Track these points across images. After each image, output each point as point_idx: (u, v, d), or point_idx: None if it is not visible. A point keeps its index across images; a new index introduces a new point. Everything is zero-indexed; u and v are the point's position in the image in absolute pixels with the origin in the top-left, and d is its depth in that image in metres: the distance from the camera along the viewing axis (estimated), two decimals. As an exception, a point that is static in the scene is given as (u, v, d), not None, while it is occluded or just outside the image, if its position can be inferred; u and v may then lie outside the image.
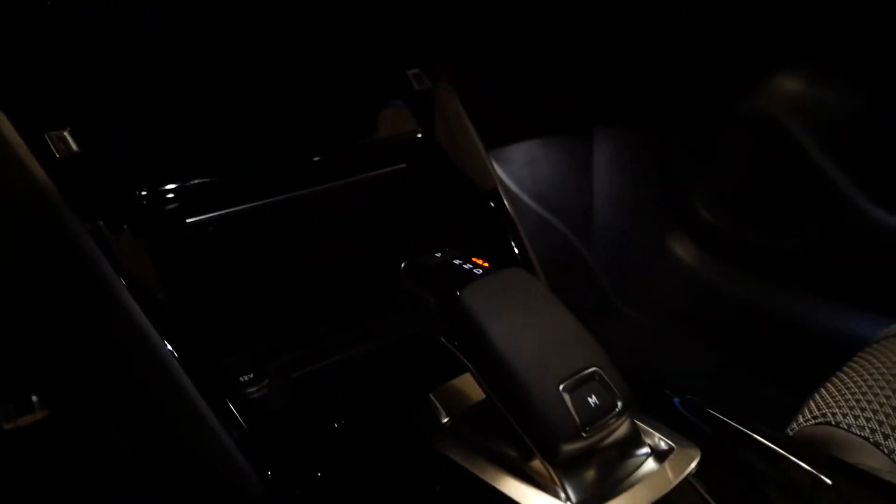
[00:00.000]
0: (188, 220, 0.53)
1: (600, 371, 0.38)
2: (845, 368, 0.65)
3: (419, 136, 0.67)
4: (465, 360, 0.39)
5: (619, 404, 0.37)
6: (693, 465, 0.38)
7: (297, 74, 0.61)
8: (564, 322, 0.40)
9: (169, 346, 0.44)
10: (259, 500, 0.45)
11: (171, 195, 0.52)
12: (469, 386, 0.46)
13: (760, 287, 1.17)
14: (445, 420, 0.44)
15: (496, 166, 1.35)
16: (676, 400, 0.48)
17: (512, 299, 0.40)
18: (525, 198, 1.38)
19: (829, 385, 0.63)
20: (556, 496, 0.36)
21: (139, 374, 0.45)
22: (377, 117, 0.66)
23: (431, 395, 0.45)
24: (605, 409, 0.37)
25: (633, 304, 1.32)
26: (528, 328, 0.39)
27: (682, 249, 1.30)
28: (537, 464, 0.37)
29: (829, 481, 0.39)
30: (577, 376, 0.37)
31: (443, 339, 0.41)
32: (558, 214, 1.39)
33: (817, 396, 0.62)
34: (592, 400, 0.37)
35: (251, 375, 0.52)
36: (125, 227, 0.49)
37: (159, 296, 0.49)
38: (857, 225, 1.07)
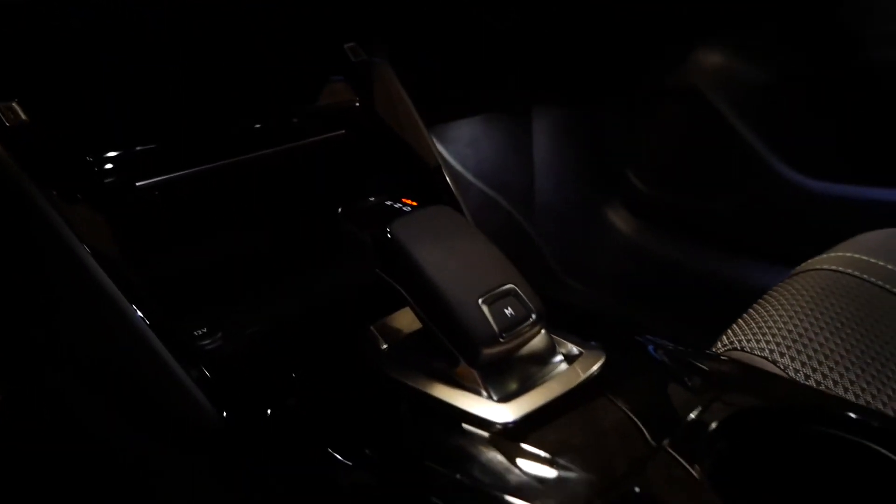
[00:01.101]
0: (137, 184, 0.56)
1: (516, 288, 0.43)
2: (755, 305, 0.72)
3: (357, 104, 0.71)
4: (397, 286, 0.44)
5: (533, 316, 0.42)
6: (597, 365, 0.43)
7: (240, 45, 0.64)
8: (485, 249, 0.45)
9: (129, 302, 0.47)
10: (217, 434, 0.48)
11: (119, 160, 0.55)
12: (404, 318, 0.50)
13: (689, 248, 1.25)
14: (384, 346, 0.48)
15: (440, 146, 1.40)
16: (650, 347, 0.51)
17: (437, 231, 0.45)
18: (469, 176, 1.44)
19: (740, 319, 0.70)
20: (480, 395, 0.41)
21: (99, 325, 0.48)
22: (316, 88, 0.70)
23: (371, 327, 0.50)
24: (519, 319, 0.42)
25: (574, 273, 1.39)
26: (452, 253, 0.43)
27: (618, 218, 1.37)
28: (463, 370, 0.42)
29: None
30: (495, 292, 0.42)
31: (378, 271, 0.46)
32: (501, 191, 1.44)
33: (729, 330, 0.69)
34: (508, 311, 0.42)
35: (204, 329, 0.56)
36: (78, 192, 0.52)
37: (116, 257, 0.52)
38: (776, 186, 1.15)
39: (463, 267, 0.43)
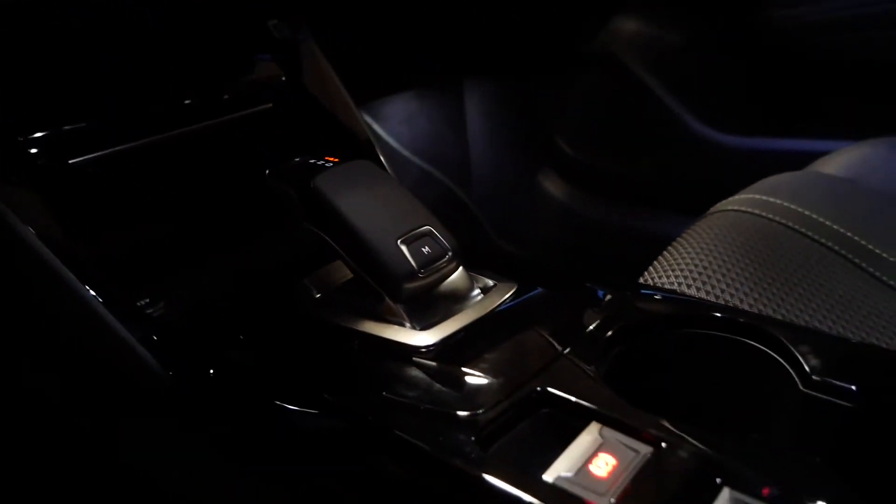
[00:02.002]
0: (70, 162, 0.58)
1: (432, 229, 0.47)
2: (668, 247, 0.78)
3: (283, 79, 0.74)
4: (324, 235, 0.48)
5: (449, 253, 0.47)
6: (509, 294, 0.48)
7: (167, 24, 0.66)
8: (403, 196, 0.49)
9: (74, 276, 0.50)
10: (165, 394, 0.51)
11: (49, 139, 0.57)
12: (335, 269, 0.54)
13: (617, 207, 1.31)
14: (318, 295, 0.52)
15: (374, 123, 1.43)
16: (600, 292, 0.53)
17: (358, 182, 0.48)
18: (406, 153, 1.47)
19: (654, 261, 0.76)
20: (404, 326, 0.45)
21: (48, 300, 0.50)
22: (242, 64, 0.73)
23: (305, 280, 0.53)
24: (436, 257, 0.46)
25: (510, 238, 1.44)
26: (372, 201, 0.47)
27: (550, 183, 1.43)
28: (388, 305, 0.46)
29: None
30: (413, 233, 0.46)
31: (306, 224, 0.49)
32: (438, 165, 1.48)
33: (645, 272, 0.75)
34: (426, 250, 0.46)
35: (147, 300, 0.58)
36: (13, 173, 0.54)
37: (58, 234, 0.54)
38: (693, 143, 1.22)
39: (382, 213, 0.47)
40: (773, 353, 0.41)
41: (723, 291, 0.67)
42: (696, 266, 0.70)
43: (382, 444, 0.38)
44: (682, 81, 1.23)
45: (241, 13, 0.75)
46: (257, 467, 0.48)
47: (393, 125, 1.47)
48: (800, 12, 1.10)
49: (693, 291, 0.67)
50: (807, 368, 0.39)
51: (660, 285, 0.69)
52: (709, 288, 0.67)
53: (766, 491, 0.29)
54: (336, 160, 0.51)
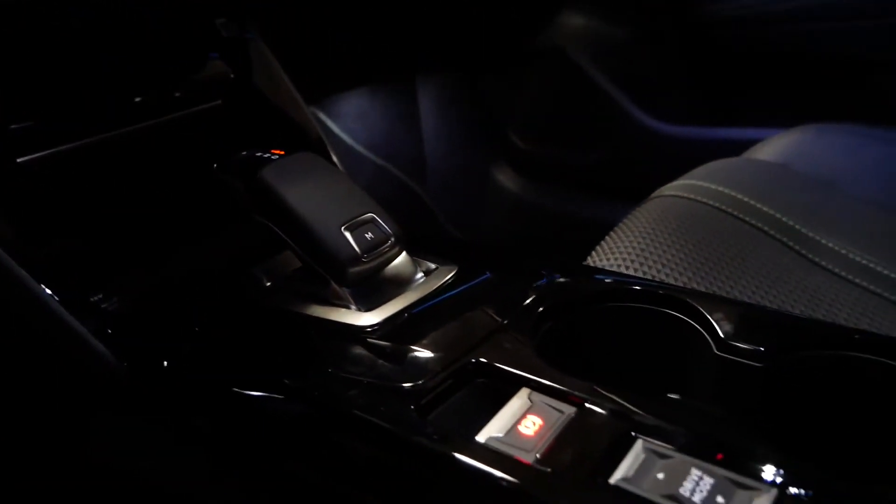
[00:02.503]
0: (19, 160, 0.59)
1: (375, 216, 0.50)
2: (611, 232, 0.82)
3: (231, 76, 0.75)
4: (271, 225, 0.50)
5: (392, 238, 0.49)
6: (450, 275, 0.50)
7: (113, 21, 0.67)
8: (346, 186, 0.51)
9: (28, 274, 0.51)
10: (121, 385, 0.52)
11: None
12: (283, 258, 0.56)
13: (568, 197, 1.35)
14: (268, 284, 0.54)
15: (328, 120, 1.44)
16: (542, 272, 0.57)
17: (302, 173, 0.51)
18: (360, 149, 1.49)
19: (598, 245, 0.79)
20: (350, 308, 0.48)
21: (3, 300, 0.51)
22: (190, 63, 0.74)
23: (255, 269, 0.55)
24: (379, 242, 0.48)
25: (466, 230, 1.47)
26: (316, 191, 0.49)
27: (503, 176, 1.46)
28: (334, 289, 0.48)
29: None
30: (356, 220, 0.48)
31: (254, 215, 0.51)
32: (393, 161, 1.51)
33: (588, 257, 0.78)
34: (369, 236, 0.48)
35: (101, 295, 0.59)
36: None
37: (9, 232, 0.55)
38: (637, 133, 1.26)
39: (326, 201, 0.49)
40: (690, 321, 0.44)
41: (659, 271, 0.71)
42: (634, 248, 0.74)
43: (330, 418, 0.40)
44: (626, 74, 1.28)
45: (189, 12, 0.76)
46: (219, 454, 0.50)
47: (347, 122, 1.49)
48: (733, 6, 1.15)
49: (632, 272, 0.71)
50: (720, 334, 0.42)
51: (602, 267, 0.73)
52: (646, 268, 0.71)
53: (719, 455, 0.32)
54: (282, 153, 0.53)
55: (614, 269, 0.71)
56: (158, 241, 0.65)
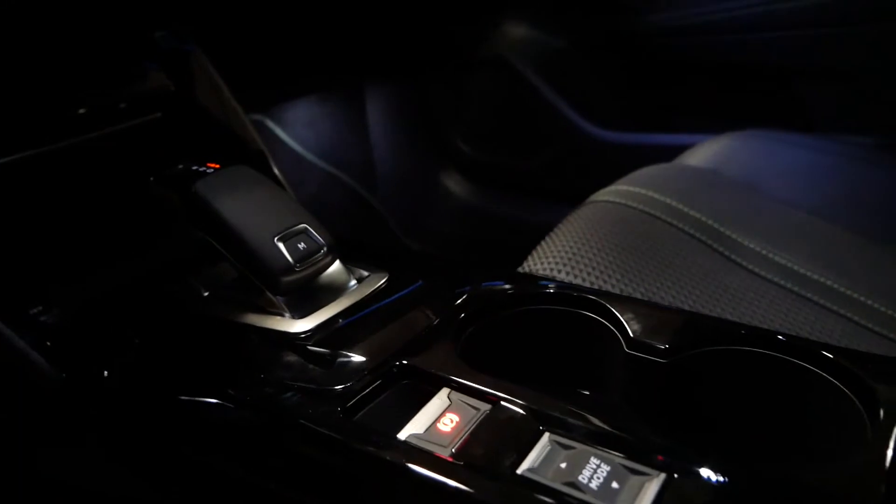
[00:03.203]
0: None
1: (308, 227, 0.52)
2: (546, 237, 0.85)
3: (172, 89, 0.76)
4: (207, 236, 0.51)
5: (324, 248, 0.51)
6: (381, 283, 0.53)
7: (51, 35, 0.67)
8: (280, 198, 0.53)
9: None
10: (61, 397, 0.53)
11: None
12: (220, 270, 0.57)
13: (513, 202, 1.39)
14: (206, 294, 0.56)
15: (277, 128, 1.45)
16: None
17: (237, 186, 0.52)
18: (310, 156, 1.50)
19: (534, 250, 0.82)
20: (284, 316, 0.49)
21: None
22: (129, 76, 0.75)
23: (193, 280, 0.57)
24: (312, 252, 0.50)
25: (417, 238, 1.50)
26: (250, 203, 0.51)
27: (452, 182, 1.49)
28: (268, 298, 0.50)
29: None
30: (289, 231, 0.50)
31: (190, 227, 0.53)
32: (343, 168, 1.52)
33: (525, 262, 0.81)
34: (301, 246, 0.50)
35: (40, 308, 0.60)
36: None
37: None
38: (578, 139, 1.31)
39: (260, 213, 0.51)
40: (603, 321, 0.47)
41: (589, 274, 0.74)
42: (566, 252, 0.77)
43: (263, 422, 0.42)
44: (567, 82, 1.32)
45: (127, 25, 0.76)
46: (157, 459, 0.51)
47: (297, 130, 1.50)
48: (665, 17, 1.20)
49: (564, 275, 0.74)
50: (630, 333, 0.45)
51: (536, 271, 0.76)
52: (577, 271, 0.74)
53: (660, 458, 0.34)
54: (217, 166, 0.54)
55: (547, 273, 0.74)
56: (97, 253, 0.66)
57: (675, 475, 0.33)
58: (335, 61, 1.46)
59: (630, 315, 0.46)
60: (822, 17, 1.14)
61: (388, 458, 0.36)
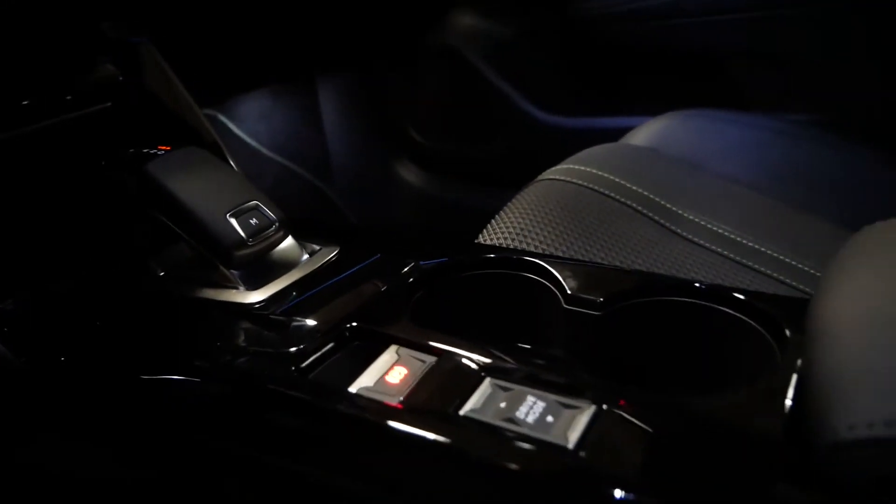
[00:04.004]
0: None
1: (259, 203, 0.53)
2: (497, 214, 0.88)
3: (120, 79, 0.77)
4: (160, 216, 0.53)
5: (276, 223, 0.53)
6: (332, 255, 0.55)
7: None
8: (231, 176, 0.55)
9: None
10: (21, 383, 0.54)
11: None
12: (175, 249, 0.59)
13: (467, 188, 1.41)
14: (161, 273, 0.57)
15: (230, 123, 1.45)
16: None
17: (188, 166, 0.54)
18: (265, 150, 1.51)
19: (486, 226, 0.85)
20: (238, 289, 0.51)
21: None
22: (78, 65, 0.75)
23: (150, 261, 0.58)
24: (263, 227, 0.52)
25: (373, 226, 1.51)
26: (202, 182, 0.53)
27: (406, 171, 1.51)
28: (222, 272, 0.52)
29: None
30: (240, 207, 0.52)
31: (143, 208, 0.54)
32: (298, 161, 1.53)
33: (479, 236, 0.84)
34: (254, 221, 0.52)
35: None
36: None
37: None
38: (527, 125, 1.34)
39: (212, 191, 0.53)
40: (543, 281, 0.50)
41: (537, 247, 0.77)
42: (516, 227, 0.80)
43: (222, 386, 0.44)
44: (515, 70, 1.35)
45: (74, 16, 0.77)
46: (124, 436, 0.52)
47: (250, 124, 1.51)
48: (607, 4, 1.24)
49: (514, 247, 0.77)
50: (567, 289, 0.48)
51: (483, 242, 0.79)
52: (526, 244, 0.77)
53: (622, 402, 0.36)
54: (168, 148, 0.56)
55: (492, 243, 0.77)
56: (53, 239, 0.67)
57: (604, 406, 0.36)
58: (286, 54, 1.47)
59: (567, 273, 0.49)
60: (758, 2, 1.19)
61: (339, 409, 0.39)
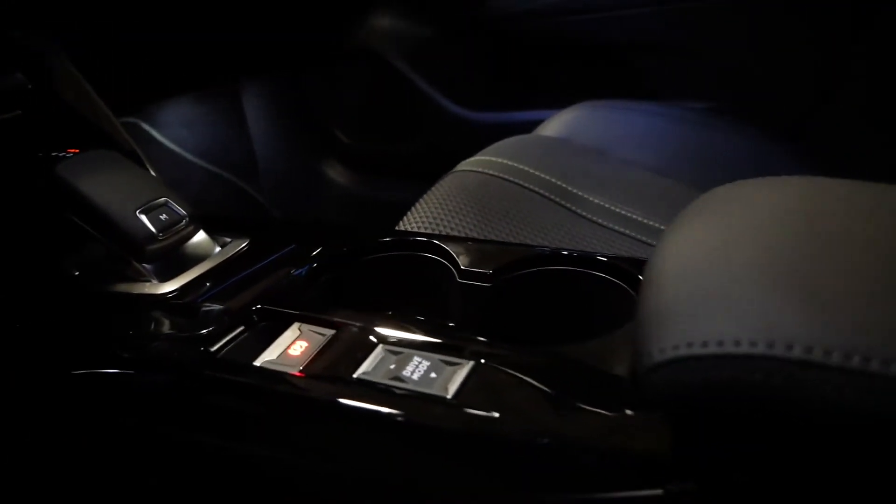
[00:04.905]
0: None
1: (169, 200, 0.56)
2: (415, 204, 0.92)
3: (29, 87, 0.78)
4: (72, 216, 0.55)
5: (186, 219, 0.56)
6: (241, 247, 0.58)
7: None
8: (141, 176, 0.57)
9: None
10: None
11: None
12: (89, 248, 0.60)
13: (393, 186, 1.45)
14: (77, 273, 0.59)
15: (153, 130, 1.45)
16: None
17: (98, 167, 0.56)
18: (190, 156, 1.51)
19: (404, 216, 0.89)
20: (151, 282, 0.54)
21: None
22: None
23: (66, 262, 0.60)
24: (174, 222, 0.55)
25: (303, 226, 1.53)
26: (111, 181, 0.55)
27: (334, 171, 1.54)
28: (135, 267, 0.54)
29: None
30: (150, 204, 0.55)
31: (56, 210, 0.56)
32: (224, 166, 1.54)
33: (397, 226, 0.87)
34: (164, 217, 0.55)
35: None
36: None
37: None
38: (447, 122, 1.38)
39: (122, 190, 0.55)
40: (439, 258, 0.54)
41: (448, 233, 0.81)
42: (430, 216, 0.84)
43: (139, 370, 0.47)
44: (433, 68, 1.40)
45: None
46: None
47: (173, 130, 1.51)
48: (518, 2, 1.29)
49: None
50: (461, 265, 0.52)
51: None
52: (439, 231, 0.82)
53: None
54: (77, 151, 0.58)
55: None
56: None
57: (482, 361, 0.40)
58: (208, 59, 1.47)
59: (460, 251, 0.54)
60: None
61: (245, 381, 0.42)
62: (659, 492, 0.31)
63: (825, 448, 0.29)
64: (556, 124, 1.14)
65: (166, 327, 0.49)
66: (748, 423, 0.29)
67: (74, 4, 1.06)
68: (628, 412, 0.34)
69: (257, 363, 0.43)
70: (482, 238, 0.79)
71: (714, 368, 0.28)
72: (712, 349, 0.28)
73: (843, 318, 0.27)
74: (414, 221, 0.85)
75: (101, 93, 0.84)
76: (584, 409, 0.36)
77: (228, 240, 0.59)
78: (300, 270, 0.53)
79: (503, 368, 0.39)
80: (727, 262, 0.31)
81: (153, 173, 0.78)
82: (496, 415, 0.36)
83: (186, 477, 0.48)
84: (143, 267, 0.54)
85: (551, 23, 1.29)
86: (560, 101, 1.22)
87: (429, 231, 0.81)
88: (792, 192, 0.37)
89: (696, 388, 0.28)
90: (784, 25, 1.22)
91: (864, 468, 0.29)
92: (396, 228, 0.84)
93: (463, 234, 0.81)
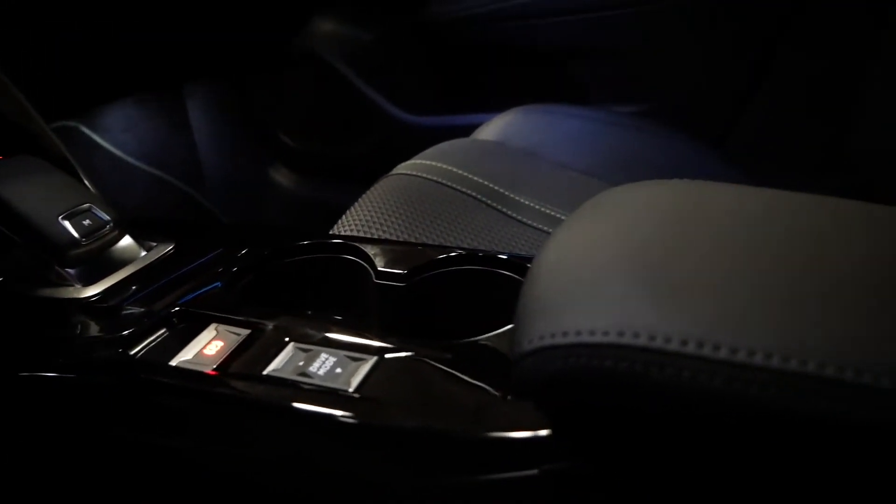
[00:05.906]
0: None
1: (93, 206, 0.57)
2: (350, 208, 0.94)
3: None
4: (-4, 225, 0.56)
5: (110, 224, 0.57)
6: (166, 250, 0.59)
7: None
8: (64, 182, 0.59)
9: None
10: None
11: None
12: (15, 256, 0.61)
13: (339, 188, 1.47)
14: (1, 279, 0.59)
15: (94, 134, 1.44)
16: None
17: (20, 173, 0.57)
18: (132, 160, 1.51)
19: (340, 219, 0.91)
20: (75, 286, 0.55)
21: None
22: None
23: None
24: (97, 227, 0.56)
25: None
26: (33, 188, 0.56)
27: (279, 175, 1.55)
28: (58, 271, 0.55)
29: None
30: (73, 209, 0.56)
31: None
32: (168, 170, 1.53)
33: (332, 230, 0.89)
34: (87, 222, 0.56)
35: None
36: None
37: None
38: (391, 126, 1.41)
39: (45, 196, 0.56)
40: (357, 260, 0.57)
41: (380, 236, 0.84)
42: (364, 219, 0.87)
43: (64, 372, 0.48)
44: (376, 73, 1.42)
45: None
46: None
47: (115, 134, 1.50)
48: (456, 8, 1.32)
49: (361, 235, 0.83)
50: (377, 266, 0.55)
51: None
52: (372, 233, 0.84)
53: None
54: (1, 157, 0.59)
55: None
56: None
57: (385, 356, 0.43)
58: (150, 62, 1.47)
59: (377, 252, 0.56)
60: (593, 3, 1.30)
61: (160, 380, 0.44)
62: (534, 472, 0.34)
63: (675, 430, 0.32)
64: (491, 128, 1.17)
65: (87, 330, 0.51)
66: (609, 410, 0.32)
67: (12, 3, 1.05)
68: (509, 398, 0.37)
69: (173, 363, 0.45)
70: (409, 240, 0.82)
71: (571, 357, 0.31)
72: (571, 338, 0.31)
73: (686, 309, 0.31)
74: (348, 224, 0.87)
75: (39, 96, 0.84)
76: (471, 396, 0.39)
77: (154, 244, 0.61)
78: (223, 272, 0.55)
79: (405, 362, 0.42)
80: (596, 258, 0.34)
81: (85, 179, 0.79)
82: (391, 405, 0.38)
83: (118, 473, 0.50)
84: (67, 272, 0.55)
85: (491, 28, 1.32)
86: (500, 105, 1.26)
87: (361, 233, 0.83)
88: (676, 193, 0.40)
89: (557, 376, 0.31)
90: (710, 31, 1.28)
91: (711, 446, 0.32)
92: (330, 231, 0.86)
93: (395, 236, 0.84)
